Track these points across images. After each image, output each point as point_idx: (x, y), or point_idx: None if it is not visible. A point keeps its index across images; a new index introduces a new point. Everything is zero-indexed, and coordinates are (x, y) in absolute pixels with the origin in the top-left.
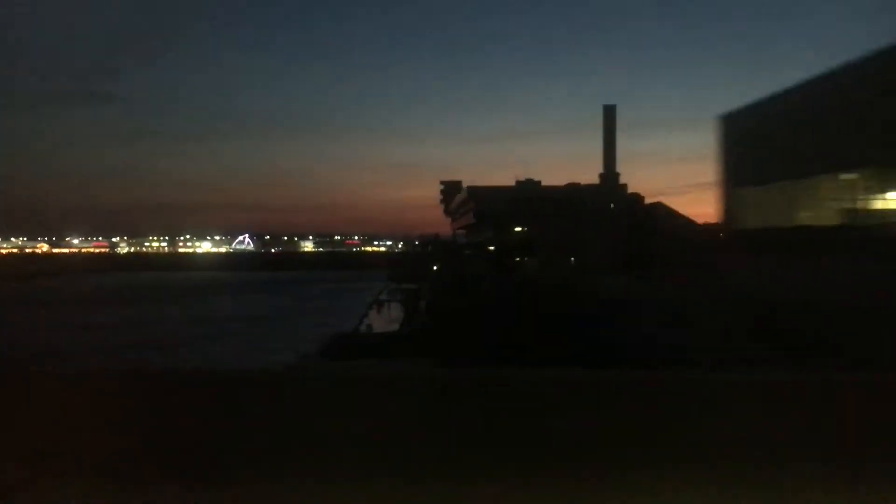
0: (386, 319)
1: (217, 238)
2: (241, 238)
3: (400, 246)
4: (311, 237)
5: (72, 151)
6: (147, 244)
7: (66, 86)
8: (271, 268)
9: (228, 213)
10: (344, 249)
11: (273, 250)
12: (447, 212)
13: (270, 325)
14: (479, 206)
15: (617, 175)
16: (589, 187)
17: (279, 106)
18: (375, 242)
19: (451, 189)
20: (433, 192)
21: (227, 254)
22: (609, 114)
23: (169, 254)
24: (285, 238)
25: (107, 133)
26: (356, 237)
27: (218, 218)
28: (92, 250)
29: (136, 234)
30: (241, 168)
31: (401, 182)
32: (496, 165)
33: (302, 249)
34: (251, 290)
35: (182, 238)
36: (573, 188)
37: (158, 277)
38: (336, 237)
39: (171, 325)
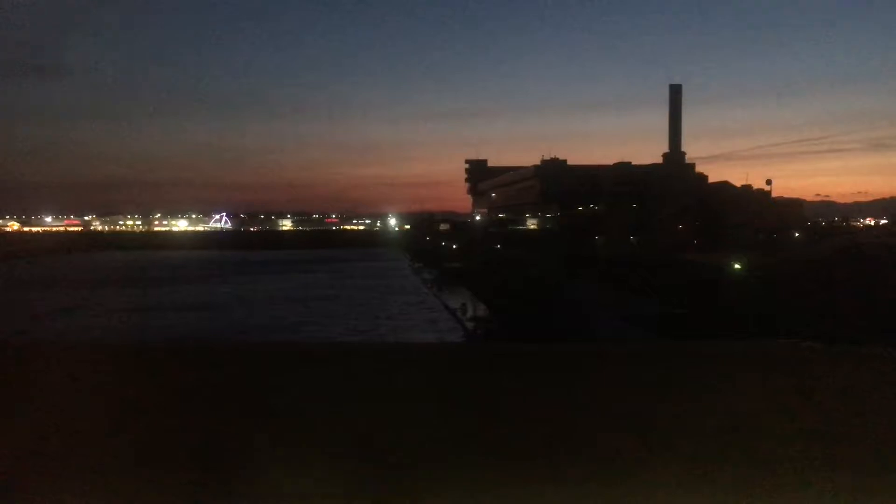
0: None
1: (193, 216)
2: (217, 216)
3: (390, 223)
4: (288, 215)
5: (29, 127)
6: (121, 222)
7: (13, 56)
8: (263, 247)
9: (196, 191)
10: (323, 228)
11: (252, 229)
12: (473, 190)
13: (373, 305)
14: (547, 186)
15: (683, 154)
16: (654, 167)
17: (243, 84)
18: (354, 221)
19: (476, 168)
20: (388, 171)
21: (206, 232)
22: (675, 93)
23: (146, 232)
24: (262, 216)
25: (62, 108)
26: (333, 216)
27: (188, 195)
28: (64, 229)
29: (108, 213)
30: (205, 145)
31: (357, 160)
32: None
33: (280, 228)
34: (283, 269)
35: (156, 216)
36: (642, 168)
37: (161, 257)
38: (314, 215)
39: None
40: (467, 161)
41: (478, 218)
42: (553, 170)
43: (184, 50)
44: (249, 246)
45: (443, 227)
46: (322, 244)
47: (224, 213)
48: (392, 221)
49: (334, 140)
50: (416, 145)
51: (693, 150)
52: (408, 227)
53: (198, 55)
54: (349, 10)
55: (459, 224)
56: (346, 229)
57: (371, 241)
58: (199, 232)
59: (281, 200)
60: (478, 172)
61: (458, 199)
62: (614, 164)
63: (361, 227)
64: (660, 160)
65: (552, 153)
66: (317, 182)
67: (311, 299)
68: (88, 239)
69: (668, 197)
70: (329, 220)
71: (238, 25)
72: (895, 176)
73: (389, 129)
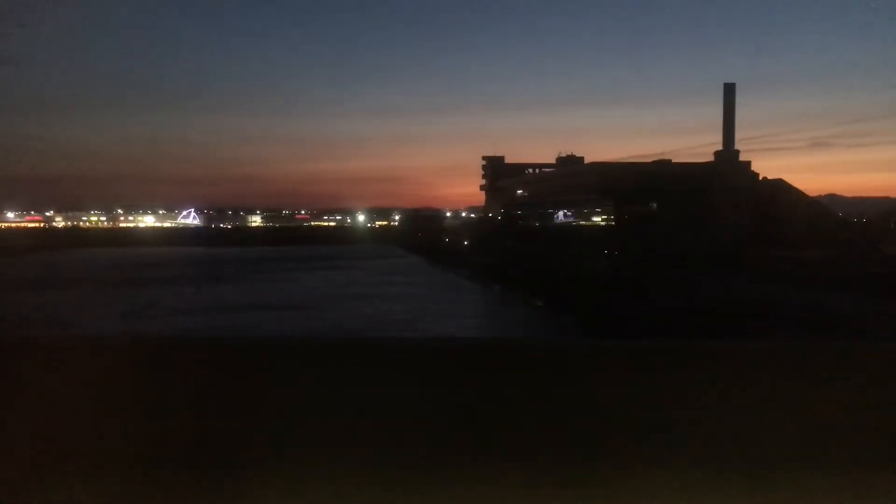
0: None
1: (160, 212)
2: (186, 212)
3: (356, 218)
4: (258, 211)
5: None
6: (84, 219)
7: None
8: (246, 243)
9: (152, 186)
10: (294, 224)
11: (224, 225)
12: (492, 186)
13: (462, 302)
14: (603, 182)
15: (737, 152)
16: (709, 164)
17: (193, 77)
18: (325, 217)
19: (493, 164)
20: (346, 166)
21: (178, 228)
22: (728, 92)
23: (114, 228)
24: (230, 212)
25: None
26: (303, 211)
27: (146, 191)
28: (26, 225)
29: (69, 209)
30: (157, 140)
31: (311, 155)
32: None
33: (251, 224)
34: (305, 266)
35: (120, 212)
36: (697, 165)
37: (153, 254)
38: (284, 211)
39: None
40: (484, 157)
41: (490, 214)
42: (610, 165)
43: (137, 42)
44: (232, 242)
45: (451, 222)
46: (304, 241)
47: (192, 209)
48: (361, 218)
49: (288, 135)
50: (369, 140)
51: (645, 146)
52: (383, 223)
53: (151, 46)
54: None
55: (470, 220)
56: (319, 225)
57: (354, 237)
58: (170, 228)
59: (238, 196)
60: (495, 169)
61: (422, 193)
62: (661, 161)
63: (333, 224)
64: (666, 156)
65: (569, 149)
66: (275, 178)
67: (382, 297)
68: (62, 235)
69: (723, 193)
70: (300, 215)
71: (196, 18)
72: (833, 174)
73: (343, 124)
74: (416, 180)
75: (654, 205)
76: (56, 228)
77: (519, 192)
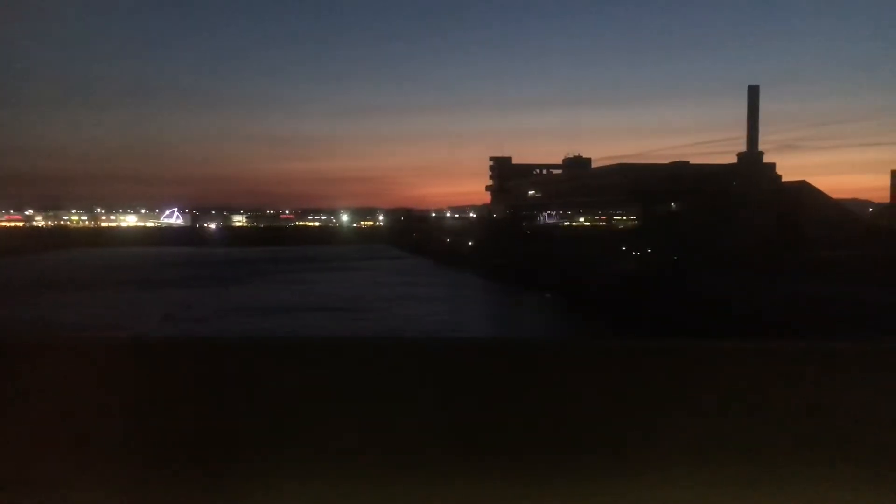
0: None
1: (142, 211)
2: (169, 212)
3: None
4: (241, 211)
5: None
6: (66, 218)
7: None
8: (233, 244)
9: (126, 185)
10: (277, 224)
11: (209, 225)
12: (500, 187)
13: (498, 304)
14: (633, 184)
15: (760, 154)
16: (732, 166)
17: (171, 75)
18: (310, 217)
19: (501, 165)
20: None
21: (163, 227)
22: (753, 94)
23: (98, 228)
24: (213, 212)
25: None
26: (286, 211)
27: (123, 190)
28: (6, 224)
29: (49, 207)
30: (136, 139)
31: (292, 154)
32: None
33: (234, 224)
34: (318, 267)
35: (101, 211)
36: (722, 167)
37: (149, 254)
38: (269, 211)
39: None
40: (492, 158)
41: (494, 214)
42: (639, 166)
43: (114, 39)
44: (226, 243)
45: (452, 223)
46: (296, 241)
47: (175, 209)
48: (344, 218)
49: (266, 134)
50: (349, 140)
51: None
52: (369, 223)
53: (129, 44)
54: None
55: (473, 220)
56: (305, 225)
57: (344, 237)
58: (156, 227)
59: (221, 195)
60: (503, 169)
61: (402, 194)
62: (682, 163)
63: (318, 224)
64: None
65: (575, 150)
66: (256, 177)
67: (416, 299)
68: (47, 235)
69: (748, 195)
70: (284, 215)
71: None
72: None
73: (325, 123)
74: (395, 180)
75: (681, 205)
76: (39, 228)
77: (531, 192)
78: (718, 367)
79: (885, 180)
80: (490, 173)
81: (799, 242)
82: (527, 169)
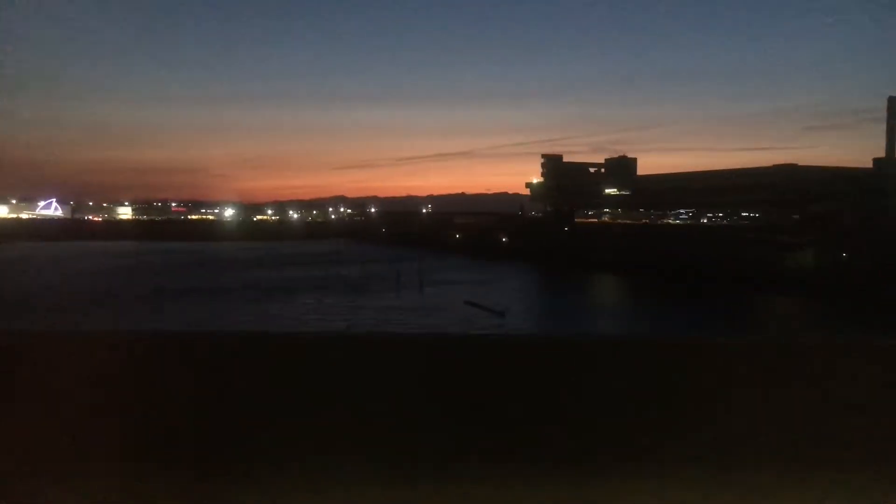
0: None
1: (13, 202)
2: (46, 202)
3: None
4: (126, 203)
5: None
6: None
7: None
8: (146, 237)
9: None
10: (168, 217)
11: (93, 217)
12: (557, 185)
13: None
14: (792, 184)
15: None
16: (871, 171)
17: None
18: (203, 210)
19: (552, 163)
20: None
21: (42, 219)
22: (893, 104)
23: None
24: (90, 203)
25: None
26: (176, 204)
27: None
28: None
29: None
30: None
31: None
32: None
33: (118, 216)
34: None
35: None
36: (865, 171)
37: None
38: (156, 203)
39: None
40: (543, 156)
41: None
42: (799, 168)
43: None
44: (127, 236)
45: (467, 223)
46: (220, 237)
47: (53, 199)
48: (228, 213)
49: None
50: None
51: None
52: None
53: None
54: None
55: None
56: (205, 219)
57: (296, 234)
58: (32, 219)
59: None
60: (556, 167)
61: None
62: (828, 168)
63: (211, 218)
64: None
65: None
66: (143, 167)
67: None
68: None
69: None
70: (176, 209)
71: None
72: None
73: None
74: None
75: (840, 208)
76: None
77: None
78: (730, 364)
79: None
80: (541, 170)
81: None
82: (574, 168)
